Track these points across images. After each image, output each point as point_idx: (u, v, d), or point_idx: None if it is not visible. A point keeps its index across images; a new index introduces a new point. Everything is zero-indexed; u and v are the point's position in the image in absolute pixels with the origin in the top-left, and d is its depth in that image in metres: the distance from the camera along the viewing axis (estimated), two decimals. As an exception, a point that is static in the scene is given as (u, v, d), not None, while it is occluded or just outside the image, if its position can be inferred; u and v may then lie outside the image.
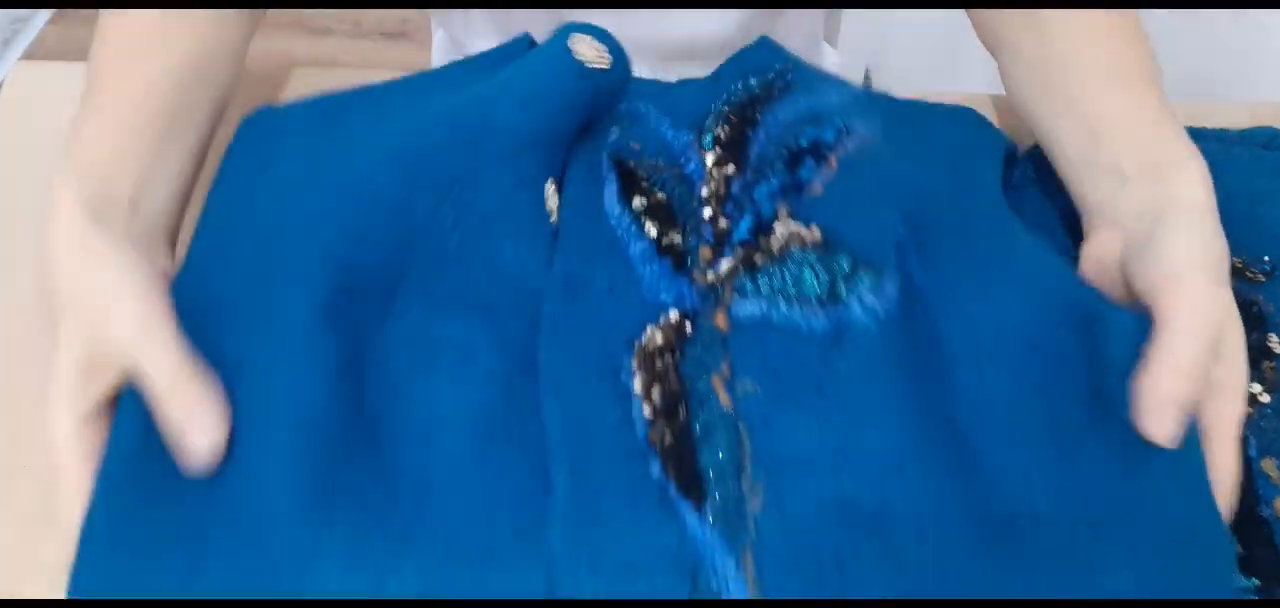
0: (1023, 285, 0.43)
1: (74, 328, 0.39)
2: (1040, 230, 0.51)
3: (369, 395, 0.40)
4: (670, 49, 0.70)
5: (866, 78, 1.56)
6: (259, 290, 0.41)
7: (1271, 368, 0.45)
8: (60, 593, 0.39)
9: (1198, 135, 0.57)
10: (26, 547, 0.41)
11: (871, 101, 0.54)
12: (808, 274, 0.43)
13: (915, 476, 0.38)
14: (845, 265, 0.43)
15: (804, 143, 0.48)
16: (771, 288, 0.44)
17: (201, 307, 0.41)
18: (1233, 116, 0.60)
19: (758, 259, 0.45)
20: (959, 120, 0.54)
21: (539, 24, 0.69)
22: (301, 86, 0.60)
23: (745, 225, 0.46)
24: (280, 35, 1.95)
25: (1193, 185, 0.43)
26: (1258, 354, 0.44)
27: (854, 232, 0.44)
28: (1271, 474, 0.42)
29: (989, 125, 0.55)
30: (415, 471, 0.39)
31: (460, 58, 0.80)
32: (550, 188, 0.46)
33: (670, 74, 0.58)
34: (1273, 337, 0.46)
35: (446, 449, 0.40)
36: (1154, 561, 0.37)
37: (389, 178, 0.43)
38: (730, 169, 0.49)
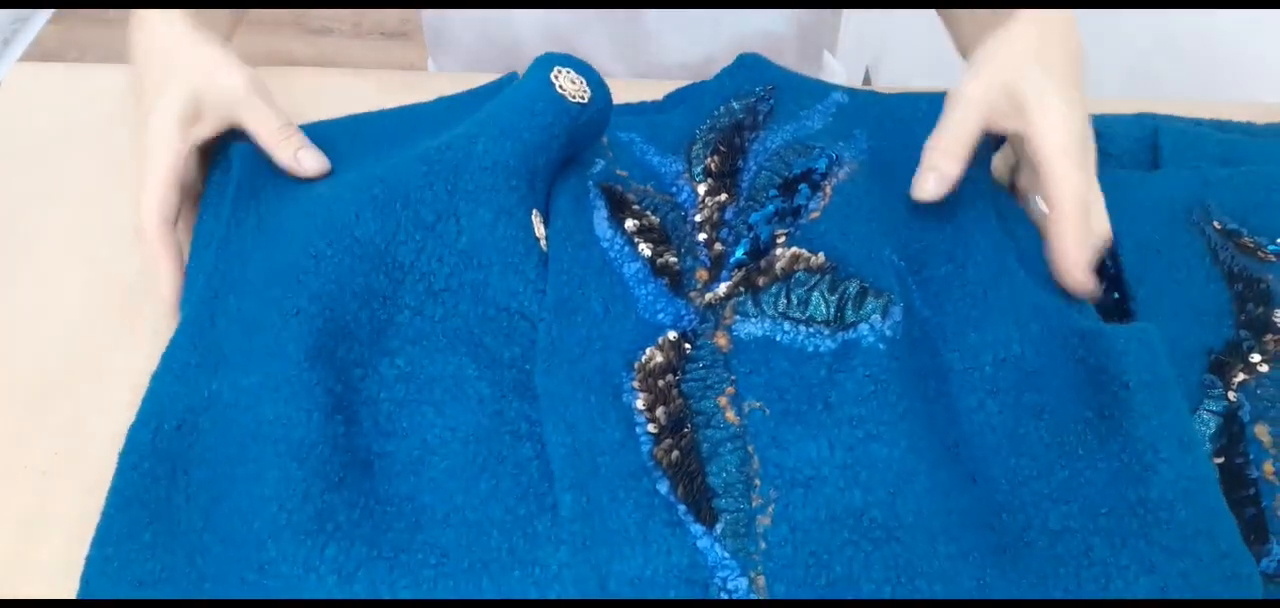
0: (1017, 316, 0.44)
1: (184, 81, 0.48)
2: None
3: (362, 431, 0.41)
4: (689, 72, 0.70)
5: (866, 78, 1.56)
6: (254, 333, 0.42)
7: (1275, 340, 0.46)
8: (60, 593, 0.39)
9: (1224, 128, 0.58)
10: (26, 547, 0.41)
11: (857, 109, 0.54)
12: (816, 297, 0.43)
13: (925, 490, 0.39)
14: (852, 290, 0.44)
15: (796, 170, 0.49)
16: (776, 309, 0.44)
17: (199, 347, 0.43)
18: (1235, 116, 0.60)
19: (759, 281, 0.45)
20: None
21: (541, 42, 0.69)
22: (302, 86, 0.60)
23: (743, 248, 0.47)
24: (280, 35, 1.95)
25: (1018, 23, 0.50)
26: (1262, 327, 0.47)
27: (858, 259, 0.45)
28: (1263, 439, 0.43)
29: None
30: (407, 498, 0.39)
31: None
32: (536, 217, 0.46)
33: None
34: (1279, 312, 0.47)
35: (437, 476, 0.40)
36: (1170, 563, 0.37)
37: (373, 223, 0.44)
38: (722, 198, 0.49)
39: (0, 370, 0.46)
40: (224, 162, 0.52)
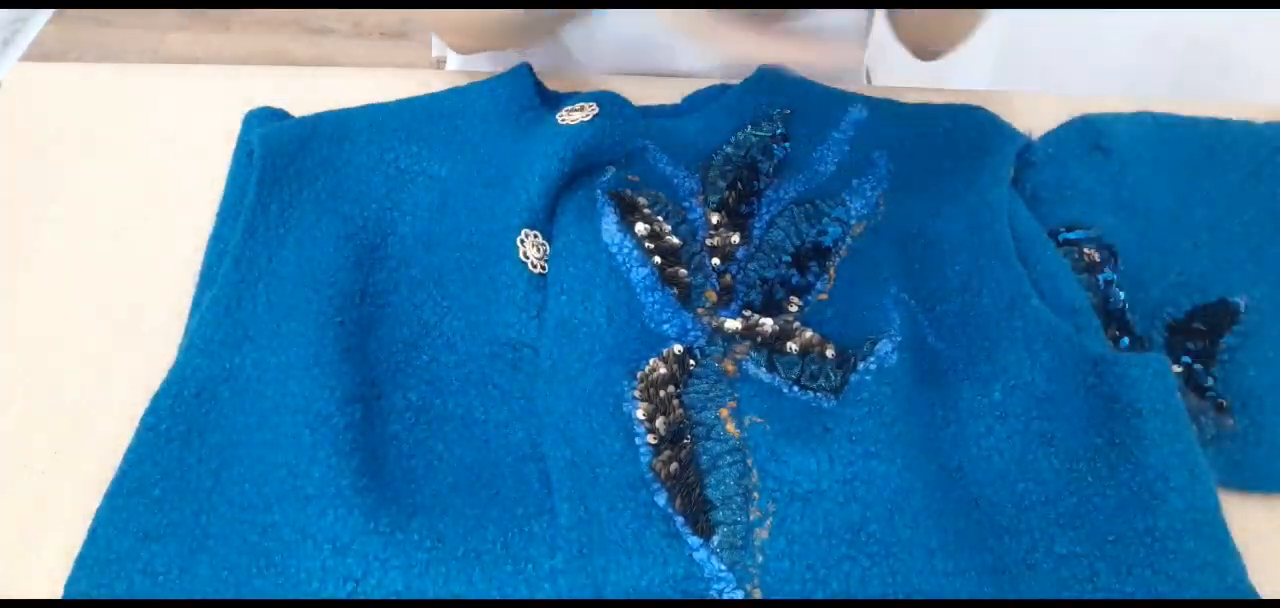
0: (1029, 344, 0.44)
1: None
2: (1059, 202, 0.53)
3: (374, 439, 0.42)
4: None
5: (866, 77, 1.56)
6: (285, 320, 0.44)
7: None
8: (61, 592, 0.39)
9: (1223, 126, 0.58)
10: (26, 547, 0.41)
11: (875, 125, 0.54)
12: (828, 370, 0.44)
13: (923, 510, 0.39)
14: (853, 351, 0.44)
15: (808, 239, 0.50)
16: (788, 376, 0.44)
17: (225, 325, 0.44)
18: (1235, 116, 0.60)
19: (774, 346, 0.45)
20: (967, 134, 0.55)
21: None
22: (302, 86, 0.60)
23: (756, 299, 0.47)
24: (280, 35, 1.95)
25: None
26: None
27: (862, 327, 0.45)
28: None
29: (999, 128, 0.55)
30: (407, 495, 0.40)
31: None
32: (526, 238, 0.47)
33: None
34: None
35: (440, 489, 0.41)
36: (1175, 594, 0.37)
37: (407, 296, 0.47)
38: (736, 238, 0.50)
39: (0, 370, 0.46)
40: (243, 151, 0.53)
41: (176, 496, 0.39)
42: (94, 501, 0.41)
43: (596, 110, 0.50)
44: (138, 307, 0.49)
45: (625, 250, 0.47)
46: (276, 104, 0.58)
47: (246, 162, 0.53)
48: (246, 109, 0.57)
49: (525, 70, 0.57)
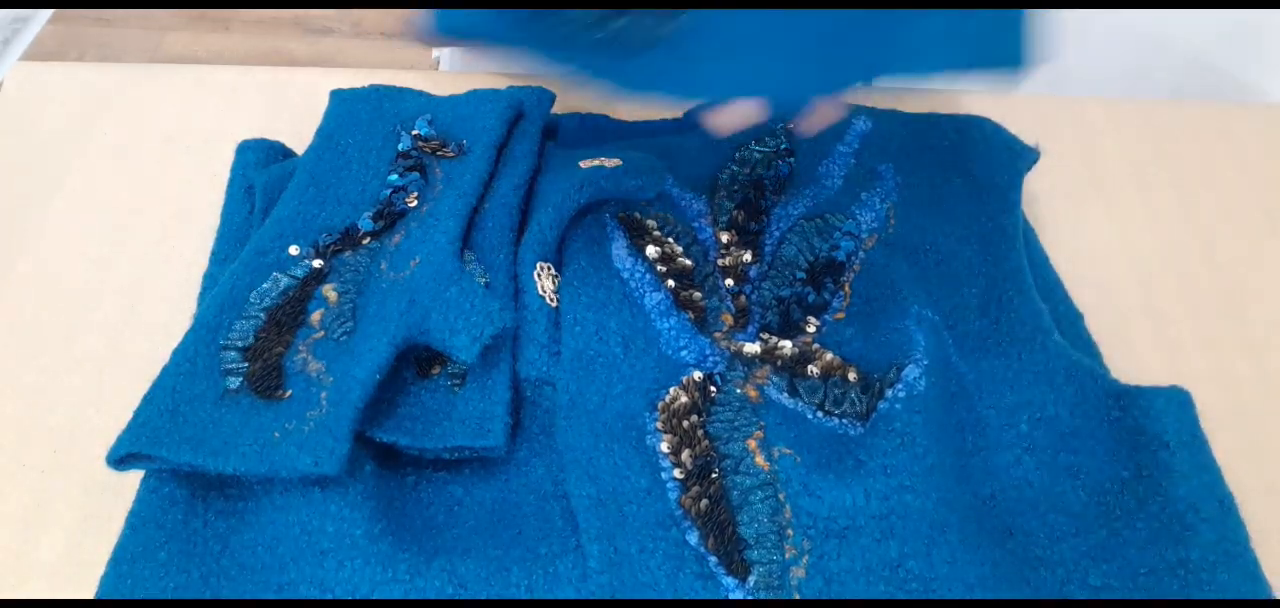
0: (1052, 379, 0.44)
1: None
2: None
3: (390, 486, 0.41)
4: None
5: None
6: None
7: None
8: (60, 593, 0.39)
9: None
10: (26, 547, 0.41)
11: (881, 136, 0.54)
12: (852, 395, 0.43)
13: (960, 544, 0.38)
14: (879, 377, 0.44)
15: (821, 254, 0.49)
16: (811, 400, 0.44)
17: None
18: (1236, 117, 0.60)
19: (796, 369, 0.44)
20: (975, 149, 0.54)
21: None
22: (302, 86, 0.60)
23: (773, 320, 0.47)
24: (280, 35, 1.95)
25: None
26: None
27: (885, 349, 0.45)
28: None
29: (1007, 143, 0.55)
30: (428, 538, 0.39)
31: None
32: (540, 271, 0.46)
33: None
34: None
35: (462, 532, 0.40)
36: None
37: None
38: (748, 256, 0.49)
39: (0, 370, 0.46)
40: (239, 187, 0.52)
41: (184, 558, 0.38)
42: (94, 500, 0.41)
43: (619, 164, 0.50)
44: (137, 306, 0.49)
45: (637, 275, 0.47)
46: (276, 104, 0.58)
47: (243, 198, 0.52)
48: (246, 109, 0.57)
49: (521, 101, 0.54)
